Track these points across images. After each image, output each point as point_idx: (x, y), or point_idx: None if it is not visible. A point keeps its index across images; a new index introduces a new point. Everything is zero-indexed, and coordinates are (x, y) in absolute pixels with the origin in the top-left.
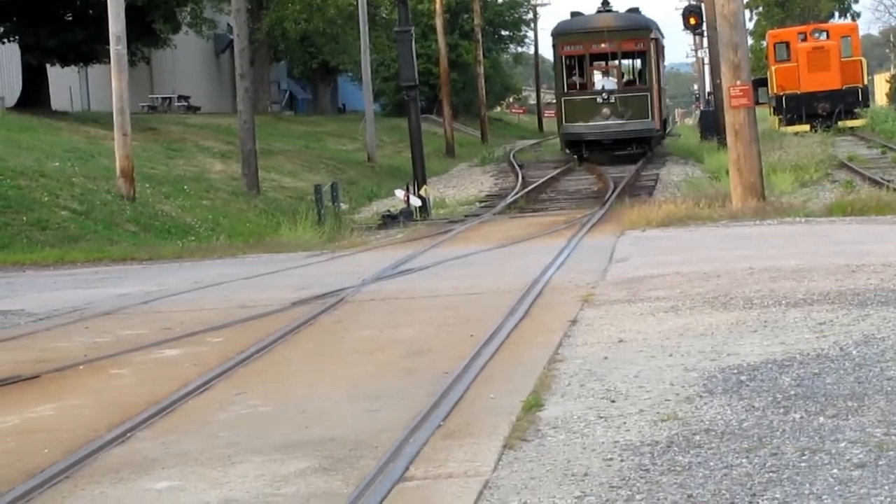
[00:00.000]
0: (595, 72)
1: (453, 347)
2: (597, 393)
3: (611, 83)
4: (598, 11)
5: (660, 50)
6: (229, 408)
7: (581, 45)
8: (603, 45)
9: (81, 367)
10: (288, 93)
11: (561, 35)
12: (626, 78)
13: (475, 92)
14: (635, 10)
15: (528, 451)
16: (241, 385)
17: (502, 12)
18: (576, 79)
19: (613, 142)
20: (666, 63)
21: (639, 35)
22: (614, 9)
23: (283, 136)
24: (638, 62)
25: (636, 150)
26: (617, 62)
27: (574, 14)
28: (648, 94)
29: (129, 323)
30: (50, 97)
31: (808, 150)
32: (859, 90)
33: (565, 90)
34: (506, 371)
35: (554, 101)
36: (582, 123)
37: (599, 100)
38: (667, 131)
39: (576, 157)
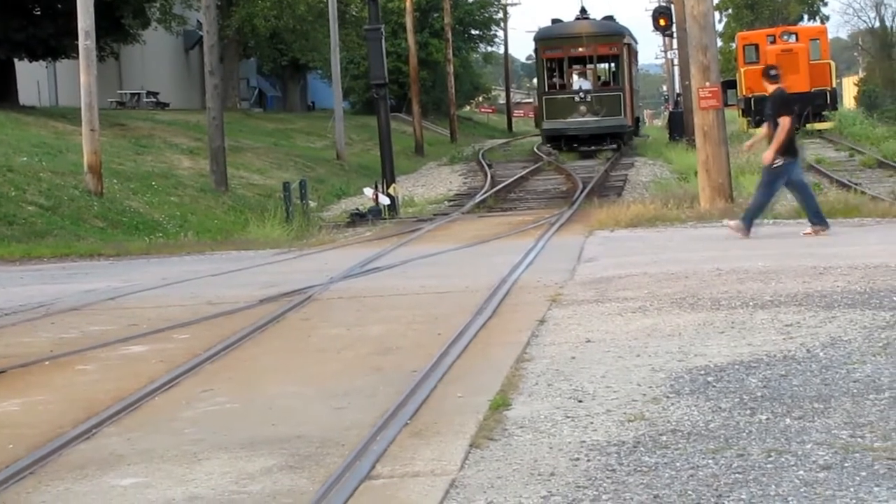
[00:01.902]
0: (573, 73)
1: (421, 346)
2: (564, 393)
3: (587, 84)
4: (577, 18)
5: (632, 54)
6: (196, 405)
7: (561, 49)
8: (581, 50)
9: (47, 362)
10: (257, 90)
11: (542, 40)
12: (601, 79)
13: (445, 91)
14: (610, 18)
15: (494, 451)
16: (207, 382)
17: (472, 11)
18: (556, 80)
19: (590, 136)
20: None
21: (613, 40)
22: (591, 16)
23: (252, 133)
24: (612, 65)
25: (610, 144)
26: (593, 65)
27: (554, 21)
28: (621, 93)
29: (96, 319)
30: (17, 92)
31: None
32: (828, 93)
33: (546, 90)
34: (473, 370)
35: (523, 100)
36: (561, 120)
37: (577, 99)
38: (639, 128)
39: (546, 156)
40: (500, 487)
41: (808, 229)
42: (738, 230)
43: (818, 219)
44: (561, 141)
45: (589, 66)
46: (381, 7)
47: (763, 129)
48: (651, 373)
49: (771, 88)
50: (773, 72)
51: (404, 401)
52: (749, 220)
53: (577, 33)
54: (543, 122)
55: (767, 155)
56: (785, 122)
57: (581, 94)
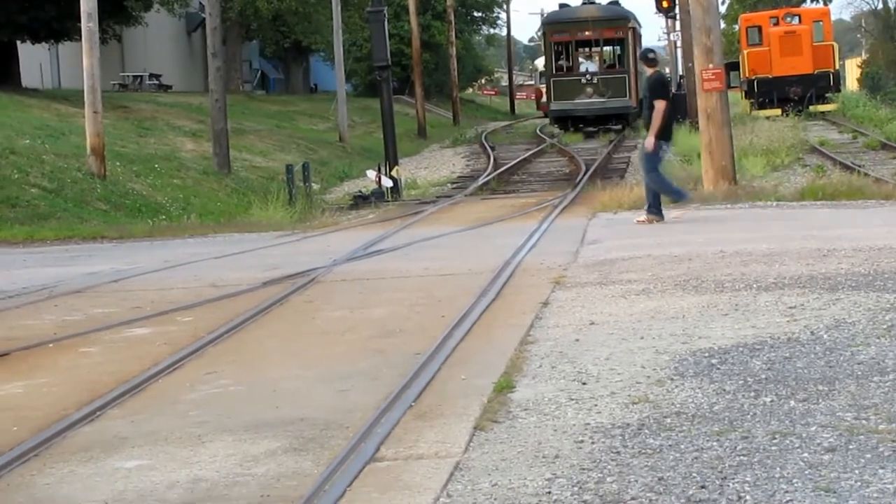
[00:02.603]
0: (580, 56)
1: (425, 328)
2: (568, 375)
3: (594, 66)
4: (583, 3)
5: (637, 38)
6: (200, 387)
7: (568, 32)
8: (587, 33)
9: (51, 345)
10: (260, 72)
11: (550, 24)
12: (607, 62)
13: (447, 73)
14: (615, 3)
15: (499, 433)
16: (211, 364)
17: None
18: (563, 62)
19: (596, 117)
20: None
21: (618, 24)
22: (597, 1)
23: (254, 115)
24: (618, 48)
25: (615, 124)
26: (599, 48)
27: (562, 6)
28: (626, 76)
29: (99, 301)
30: (20, 74)
31: (780, 135)
32: (831, 75)
33: (554, 72)
34: (477, 352)
35: (525, 83)
36: (568, 101)
37: (583, 81)
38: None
39: (549, 138)
40: (504, 470)
41: (643, 217)
42: (653, 220)
43: (656, 210)
44: (568, 121)
45: (595, 49)
46: None
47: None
48: (655, 355)
49: (648, 72)
50: (650, 55)
51: (408, 383)
52: (655, 207)
53: (584, 17)
54: (551, 104)
55: (648, 141)
56: (660, 105)
57: (588, 77)
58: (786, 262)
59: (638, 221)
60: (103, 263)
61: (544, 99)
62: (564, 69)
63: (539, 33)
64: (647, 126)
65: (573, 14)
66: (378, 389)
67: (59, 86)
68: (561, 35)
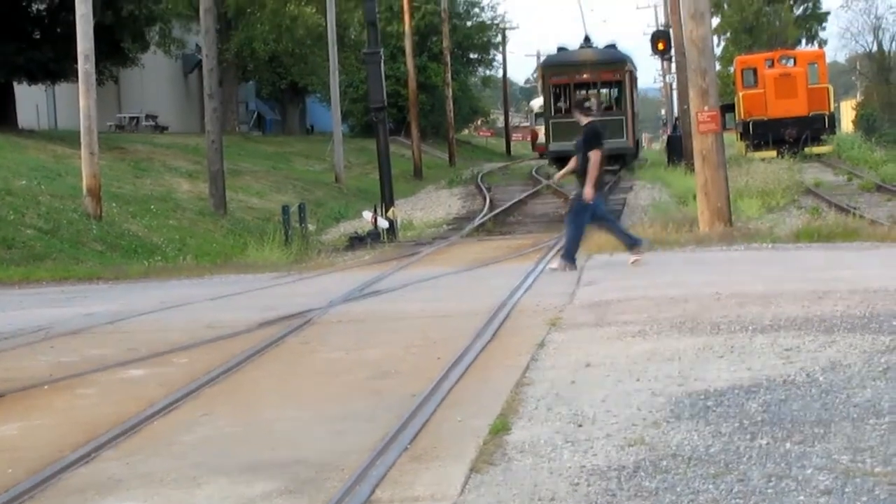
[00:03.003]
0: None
1: (421, 370)
2: (564, 417)
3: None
4: (581, 47)
5: (633, 80)
6: (195, 428)
7: (566, 75)
8: (585, 76)
9: (46, 386)
10: (256, 113)
11: (549, 67)
12: (604, 104)
13: (443, 114)
14: (612, 46)
15: (494, 475)
16: (207, 406)
17: (471, 35)
18: (562, 104)
19: None
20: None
21: (615, 67)
22: (594, 44)
23: (251, 156)
24: (615, 90)
25: (613, 165)
26: (597, 90)
27: (560, 49)
28: (624, 117)
29: (95, 342)
30: (17, 115)
31: (775, 176)
32: (826, 117)
33: (553, 114)
34: (473, 394)
35: (521, 124)
36: (567, 142)
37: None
38: (639, 150)
39: (545, 179)
40: None
41: (556, 263)
42: (565, 267)
43: (570, 257)
44: (566, 162)
45: (593, 91)
46: (381, 31)
47: (571, 163)
48: (651, 397)
49: (584, 121)
50: (586, 104)
51: (404, 425)
52: (569, 254)
53: (582, 61)
54: (550, 144)
55: (587, 192)
56: (595, 156)
57: None
58: (781, 303)
59: (550, 268)
60: (99, 304)
61: (540, 139)
62: (563, 111)
63: (534, 75)
64: (582, 177)
65: (571, 57)
66: (374, 431)
67: (55, 126)
68: (559, 77)
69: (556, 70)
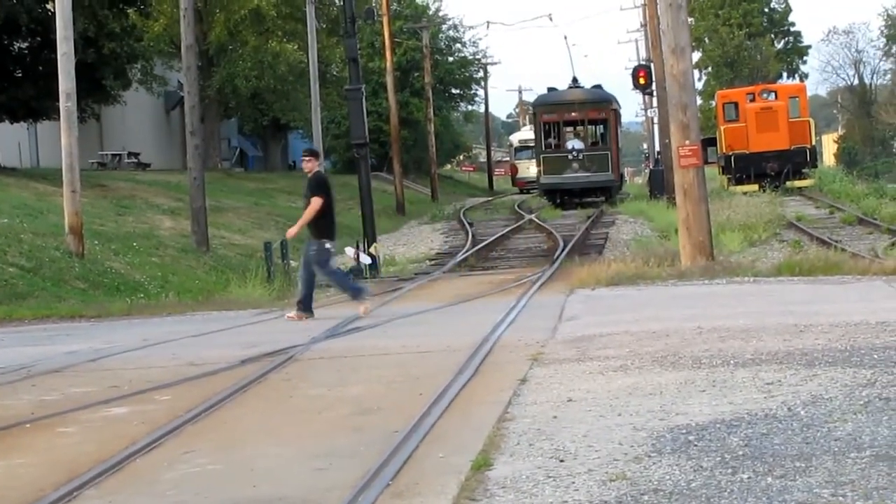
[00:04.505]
0: (567, 135)
1: (402, 406)
2: (546, 452)
3: (579, 144)
4: (570, 87)
5: (618, 118)
6: (177, 466)
7: (556, 113)
8: (573, 114)
9: (28, 425)
10: (238, 149)
11: (540, 106)
12: (591, 140)
13: (425, 149)
14: (598, 87)
15: None
16: (189, 443)
17: (453, 70)
18: (552, 140)
19: (581, 190)
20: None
21: (601, 106)
22: (581, 85)
23: (233, 192)
24: (601, 127)
25: (599, 196)
26: (584, 127)
27: (550, 89)
28: (609, 152)
29: (77, 381)
30: None
31: (757, 210)
32: (807, 150)
33: (543, 149)
34: (455, 430)
35: (503, 159)
36: (557, 175)
37: (570, 157)
38: (623, 183)
39: (527, 214)
40: None
41: (293, 313)
42: (302, 318)
43: (306, 307)
44: (556, 194)
45: (580, 128)
46: (362, 67)
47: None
48: (633, 432)
49: (310, 170)
50: (315, 151)
51: (386, 461)
52: (356, 291)
53: (571, 100)
54: (541, 178)
55: (291, 231)
56: (316, 202)
57: (574, 153)
58: (763, 337)
59: (288, 317)
60: (81, 342)
61: (520, 174)
62: (553, 146)
63: (516, 109)
64: (312, 226)
65: (561, 97)
66: (356, 467)
67: (37, 164)
68: (550, 115)
69: (546, 108)
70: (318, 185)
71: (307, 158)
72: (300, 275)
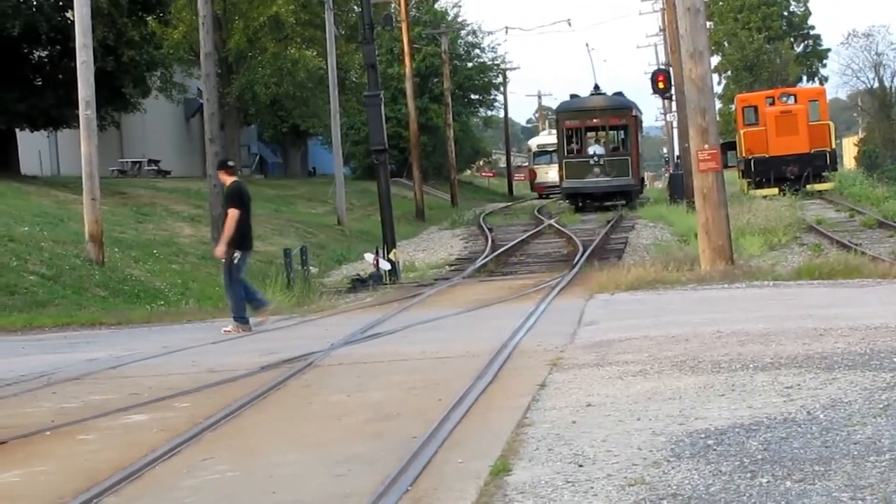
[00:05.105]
0: (589, 140)
1: (422, 412)
2: (565, 457)
3: (601, 149)
4: (591, 94)
5: (638, 124)
6: (196, 473)
7: (578, 119)
8: (595, 120)
9: (48, 432)
10: (258, 156)
11: (563, 112)
12: (612, 145)
13: (445, 155)
14: (620, 94)
15: None
16: (208, 450)
17: (472, 76)
18: (574, 146)
19: (603, 194)
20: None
21: (622, 113)
22: (603, 92)
23: (252, 199)
24: (621, 133)
25: (619, 200)
26: (605, 133)
27: (573, 96)
28: (629, 157)
29: (97, 388)
30: (19, 161)
31: (777, 214)
32: (827, 154)
33: (566, 154)
34: (474, 435)
35: (523, 164)
36: (579, 180)
37: (592, 162)
38: (643, 187)
39: (547, 219)
40: None
41: (230, 326)
42: (238, 329)
43: (241, 318)
44: (578, 198)
45: (602, 133)
46: (381, 73)
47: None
48: (652, 436)
49: (228, 181)
50: (230, 163)
51: (405, 467)
52: (241, 316)
53: (592, 107)
54: (564, 182)
55: (218, 249)
56: (233, 214)
57: (595, 158)
58: (782, 341)
59: (224, 331)
60: (101, 350)
61: (539, 179)
62: (575, 152)
63: (536, 115)
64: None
65: (583, 104)
66: (375, 473)
67: (57, 173)
68: (572, 122)
69: (569, 115)
70: (234, 196)
71: (221, 171)
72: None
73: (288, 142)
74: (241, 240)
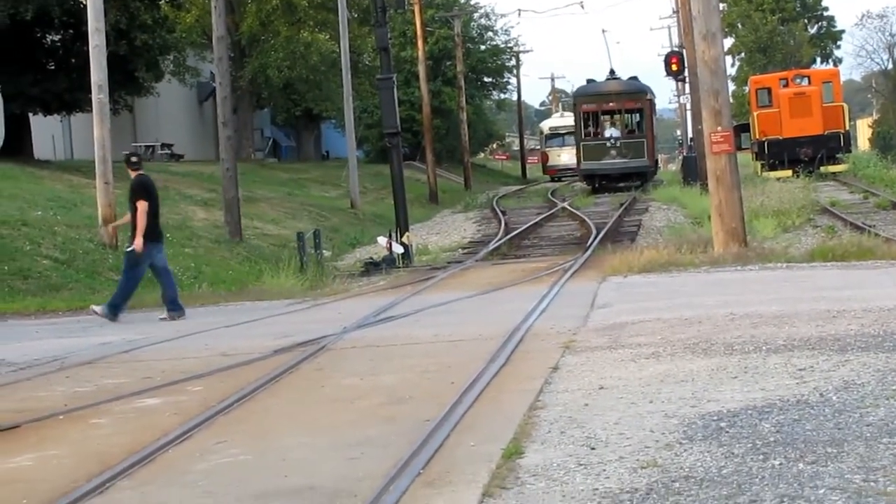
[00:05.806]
0: (605, 124)
1: (434, 395)
2: (577, 440)
3: (617, 132)
4: (607, 79)
5: (652, 107)
6: (209, 457)
7: (594, 103)
8: (611, 104)
9: (61, 416)
10: (271, 140)
11: (580, 96)
12: (627, 128)
13: (458, 138)
14: (635, 78)
15: (507, 499)
16: (221, 434)
17: (485, 59)
18: (591, 129)
19: (619, 175)
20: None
21: (637, 97)
22: (619, 76)
23: (266, 183)
24: (636, 116)
25: (635, 181)
26: (621, 116)
27: (589, 80)
28: (644, 140)
29: (110, 372)
30: (33, 146)
31: (790, 196)
32: (841, 135)
33: (583, 137)
34: (486, 418)
35: (537, 147)
36: (595, 161)
37: (608, 144)
38: (657, 169)
39: (560, 202)
40: None
41: (165, 314)
42: (105, 315)
43: (174, 306)
44: (595, 179)
45: (617, 117)
46: (394, 56)
47: (127, 216)
48: (664, 419)
49: (133, 175)
50: (133, 159)
51: (417, 450)
52: (115, 306)
53: (608, 91)
54: (581, 164)
55: (137, 242)
56: (142, 206)
57: (612, 141)
58: (795, 323)
59: (161, 318)
60: (115, 334)
61: (551, 162)
62: (592, 134)
63: (549, 97)
64: (133, 228)
65: (599, 88)
66: (387, 457)
67: (71, 157)
68: (589, 105)
69: (586, 99)
70: (140, 189)
71: (128, 165)
72: (158, 280)
73: (301, 125)
74: (150, 232)
